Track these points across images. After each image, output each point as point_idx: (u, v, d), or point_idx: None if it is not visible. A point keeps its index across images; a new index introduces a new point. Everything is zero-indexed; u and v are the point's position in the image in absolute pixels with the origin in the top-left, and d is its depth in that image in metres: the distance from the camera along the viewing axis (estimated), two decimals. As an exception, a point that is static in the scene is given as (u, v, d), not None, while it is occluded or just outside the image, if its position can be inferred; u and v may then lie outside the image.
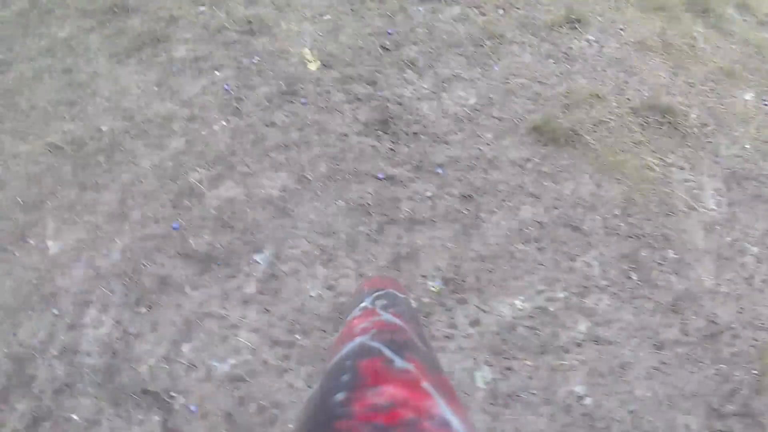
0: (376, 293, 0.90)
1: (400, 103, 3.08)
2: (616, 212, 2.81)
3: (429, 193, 2.74)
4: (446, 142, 2.95)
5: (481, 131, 3.02)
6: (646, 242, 2.73)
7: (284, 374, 2.20)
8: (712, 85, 3.50)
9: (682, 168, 3.06)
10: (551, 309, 2.46)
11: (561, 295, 2.50)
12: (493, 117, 3.08)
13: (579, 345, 2.35)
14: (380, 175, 2.76)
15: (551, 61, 3.41)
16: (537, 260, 2.59)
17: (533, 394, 2.20)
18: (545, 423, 2.14)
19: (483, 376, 2.23)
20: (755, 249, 2.82)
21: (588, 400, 2.23)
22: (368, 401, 0.49)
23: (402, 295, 0.93)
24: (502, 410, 2.15)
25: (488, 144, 2.97)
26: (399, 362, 0.58)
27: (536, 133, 3.02)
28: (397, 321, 0.77)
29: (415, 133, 2.96)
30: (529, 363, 2.28)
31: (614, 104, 3.23)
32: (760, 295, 2.69)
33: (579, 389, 2.24)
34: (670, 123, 3.22)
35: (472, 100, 3.15)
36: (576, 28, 3.63)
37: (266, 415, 2.11)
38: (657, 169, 3.00)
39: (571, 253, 2.63)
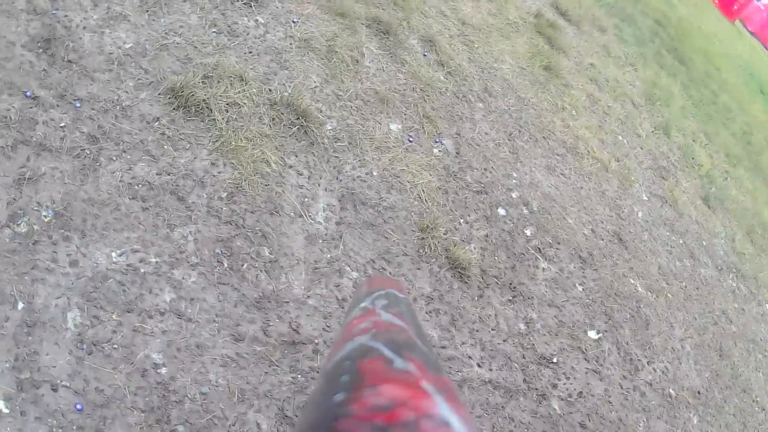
0: (376, 293, 1.04)
1: (67, 27, 3.63)
2: (223, 195, 3.57)
3: (63, 124, 3.31)
4: (92, 78, 3.55)
5: (125, 77, 3.67)
6: (245, 233, 3.52)
7: None
8: (360, 104, 4.52)
9: (300, 173, 3.95)
10: (142, 270, 3.12)
11: (153, 259, 3.18)
12: (141, 67, 3.76)
13: (162, 314, 3.06)
14: (28, 93, 3.29)
15: (214, 30, 4.21)
16: (139, 219, 3.25)
17: (115, 348, 2.86)
18: (123, 380, 2.80)
19: (74, 318, 2.84)
20: (354, 274, 3.73)
21: (164, 370, 2.91)
22: (368, 401, 0.58)
23: (402, 296, 1.09)
24: (86, 356, 2.78)
25: (127, 92, 3.62)
26: (399, 362, 0.68)
27: (171, 95, 3.72)
28: (398, 321, 0.90)
29: (69, 61, 3.52)
30: (114, 317, 2.93)
31: (254, 90, 4.06)
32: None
33: (156, 357, 2.93)
34: (302, 126, 4.10)
35: (129, 45, 3.81)
36: (251, 6, 4.49)
37: None
38: (274, 166, 3.84)
39: (171, 222, 3.33)
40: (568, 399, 4.20)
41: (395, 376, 0.65)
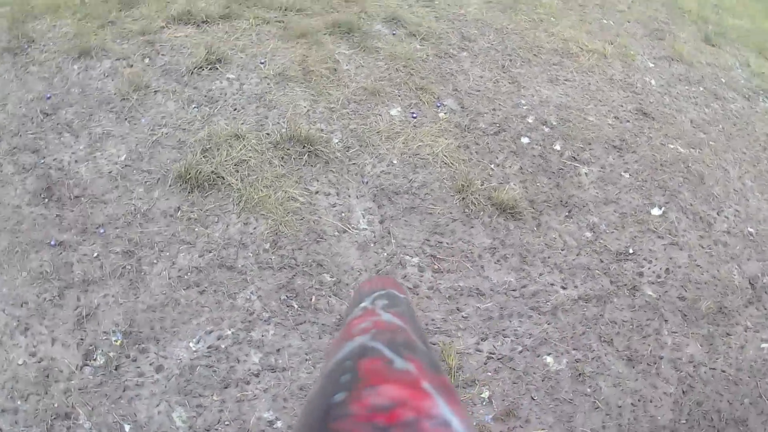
0: (376, 293, 1.03)
1: (60, 169, 3.62)
2: (266, 246, 3.51)
3: (96, 254, 3.29)
4: (104, 202, 3.53)
5: (133, 186, 3.64)
6: (301, 270, 3.45)
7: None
8: (355, 107, 4.40)
9: (327, 194, 3.85)
10: (223, 346, 3.08)
11: (229, 332, 3.15)
12: (143, 171, 3.72)
13: (256, 375, 3.01)
14: (52, 242, 3.28)
15: (194, 106, 4.14)
16: (200, 303, 3.22)
17: (227, 425, 2.82)
18: (246, 451, 2.77)
19: (179, 416, 2.81)
20: (415, 259, 3.62)
21: (279, 423, 2.88)
22: (368, 401, 0.57)
23: (402, 296, 1.08)
24: (204, 445, 2.76)
25: (141, 198, 3.59)
26: (399, 362, 0.66)
27: (181, 181, 3.67)
28: (397, 321, 0.89)
29: (76, 197, 3.51)
30: (216, 398, 2.90)
31: (254, 141, 3.99)
32: (429, 302, 3.45)
33: (267, 415, 2.89)
34: (310, 152, 4.01)
35: (123, 156, 3.78)
36: (217, 68, 4.41)
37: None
38: (301, 199, 3.76)
39: (230, 292, 3.29)
40: (658, 280, 4.00)
41: (395, 376, 0.64)
